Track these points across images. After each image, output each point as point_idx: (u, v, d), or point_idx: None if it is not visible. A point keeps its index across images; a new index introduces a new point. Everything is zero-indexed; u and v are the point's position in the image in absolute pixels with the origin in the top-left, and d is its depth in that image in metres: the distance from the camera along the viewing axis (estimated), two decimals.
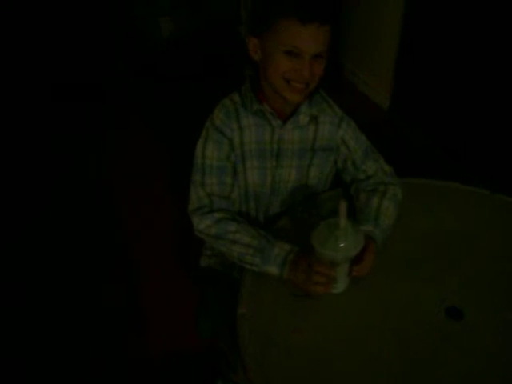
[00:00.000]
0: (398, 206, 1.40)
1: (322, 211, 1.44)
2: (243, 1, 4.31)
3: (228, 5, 4.35)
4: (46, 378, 1.91)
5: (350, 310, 1.19)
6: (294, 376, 1.05)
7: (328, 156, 1.47)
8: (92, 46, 3.96)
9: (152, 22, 4.37)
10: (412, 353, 1.09)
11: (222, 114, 1.37)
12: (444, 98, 3.13)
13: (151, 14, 4.33)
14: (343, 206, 1.09)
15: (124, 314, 2.16)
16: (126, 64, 4.12)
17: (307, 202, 1.48)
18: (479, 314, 1.17)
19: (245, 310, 1.16)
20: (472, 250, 1.34)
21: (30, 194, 2.85)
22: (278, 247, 1.24)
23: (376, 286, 1.22)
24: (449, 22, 2.96)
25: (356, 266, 1.18)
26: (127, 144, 3.32)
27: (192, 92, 3.85)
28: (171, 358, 1.97)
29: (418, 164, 2.81)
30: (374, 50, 3.79)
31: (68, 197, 2.85)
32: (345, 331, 1.14)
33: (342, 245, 1.10)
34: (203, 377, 1.85)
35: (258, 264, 1.24)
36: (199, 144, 1.38)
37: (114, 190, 2.88)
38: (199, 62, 4.15)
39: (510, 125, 2.65)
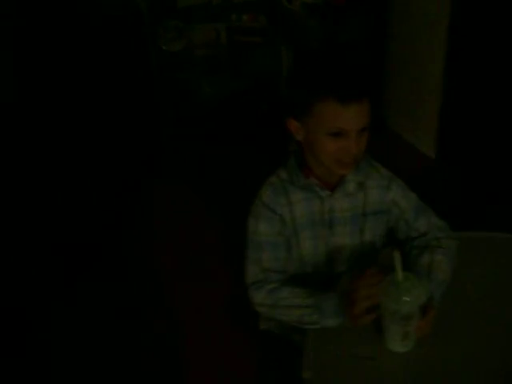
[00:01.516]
0: (453, 259, 1.39)
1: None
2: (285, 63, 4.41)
3: (269, 67, 4.45)
4: None
5: (411, 370, 1.18)
6: None
7: (380, 219, 1.48)
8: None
9: (194, 85, 4.50)
10: None
11: (270, 191, 1.42)
12: (489, 143, 3.11)
13: (193, 76, 4.47)
14: (397, 257, 1.12)
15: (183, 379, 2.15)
16: (171, 129, 4.20)
17: (365, 263, 1.49)
18: None
19: (309, 374, 1.16)
20: None
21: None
22: (330, 298, 1.26)
23: (438, 345, 1.20)
24: (490, 72, 2.97)
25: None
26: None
27: (238, 156, 3.81)
28: None
29: (469, 216, 2.77)
30: (418, 98, 3.81)
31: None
32: None
33: (405, 297, 1.11)
34: None
35: (317, 321, 1.26)
36: (251, 221, 1.42)
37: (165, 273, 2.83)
38: (242, 123, 4.21)
39: None
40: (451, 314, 1.28)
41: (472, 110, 3.23)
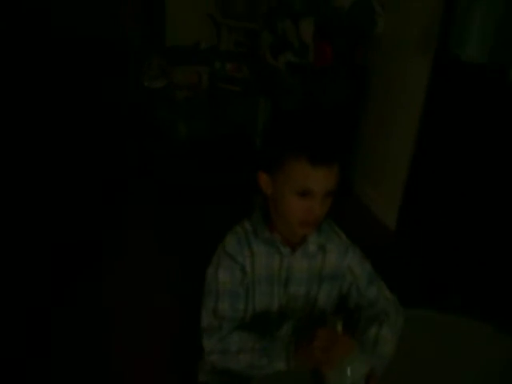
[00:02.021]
0: (399, 333, 1.40)
1: None
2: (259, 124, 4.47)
3: (246, 117, 4.51)
4: None
5: None
6: None
7: (335, 283, 1.49)
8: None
9: (171, 124, 4.53)
10: None
11: (234, 241, 1.42)
12: (451, 226, 3.16)
13: (171, 117, 4.50)
14: (339, 326, 1.17)
15: None
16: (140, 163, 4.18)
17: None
18: None
19: None
20: None
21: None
22: (279, 341, 1.27)
23: None
24: (462, 152, 3.05)
25: None
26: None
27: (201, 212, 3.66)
28: None
29: (422, 290, 2.80)
30: (385, 170, 3.88)
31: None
32: None
33: (347, 370, 1.13)
34: None
35: (266, 365, 1.26)
36: (211, 270, 1.42)
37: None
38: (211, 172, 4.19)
39: None
40: None
41: (436, 188, 3.30)
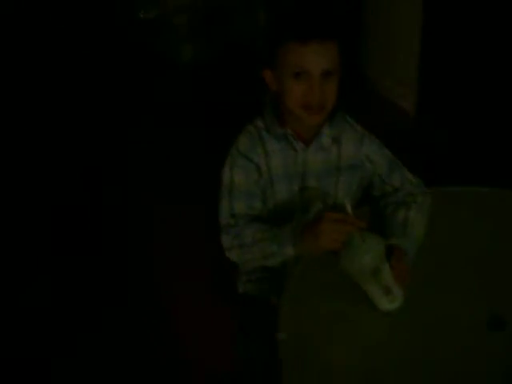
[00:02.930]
0: (427, 214, 1.39)
1: None
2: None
3: (248, 30, 4.39)
4: None
5: (389, 326, 1.18)
6: None
7: (354, 173, 1.47)
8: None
9: (173, 48, 4.44)
10: (454, 365, 1.08)
11: (247, 139, 1.40)
12: (471, 99, 3.10)
13: (172, 40, 4.40)
14: (348, 205, 1.15)
15: (161, 340, 2.18)
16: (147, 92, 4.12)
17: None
18: None
19: (284, 335, 1.16)
20: (508, 256, 1.32)
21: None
22: (288, 226, 1.27)
23: (415, 299, 1.20)
24: (470, 22, 2.94)
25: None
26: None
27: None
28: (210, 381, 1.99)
29: (447, 171, 2.77)
30: (396, 56, 3.77)
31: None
32: (386, 349, 1.13)
33: (360, 254, 1.11)
34: None
35: (276, 251, 1.27)
36: (225, 171, 1.40)
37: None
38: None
39: None
40: (433, 267, 1.29)
41: (451, 66, 3.20)
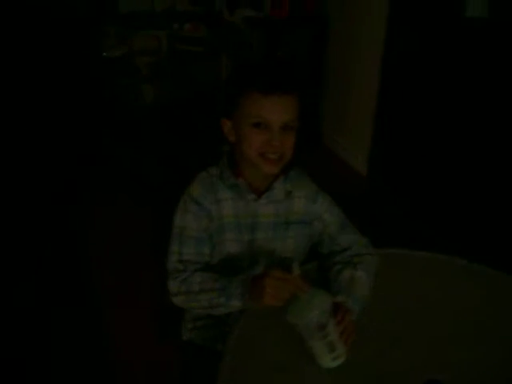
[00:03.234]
0: (374, 275, 1.42)
1: None
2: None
3: (209, 76, 4.45)
4: None
5: (331, 381, 1.18)
6: None
7: (303, 229, 1.49)
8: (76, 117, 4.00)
9: (135, 91, 4.46)
10: None
11: (200, 186, 1.42)
12: (421, 164, 3.20)
13: (134, 83, 4.42)
14: (295, 267, 1.16)
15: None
16: (109, 132, 4.13)
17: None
18: None
19: None
20: (453, 322, 1.35)
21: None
22: (236, 280, 1.28)
23: (356, 361, 1.21)
24: (424, 88, 3.08)
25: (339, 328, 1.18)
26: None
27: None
28: None
29: (396, 233, 2.85)
30: (353, 116, 3.89)
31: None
32: None
33: (307, 309, 1.12)
34: None
35: (223, 303, 1.28)
36: (178, 215, 1.41)
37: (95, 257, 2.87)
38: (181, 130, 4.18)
39: (489, 191, 2.72)
40: (378, 327, 1.31)
41: (405, 130, 3.32)
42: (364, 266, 1.41)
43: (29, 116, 3.85)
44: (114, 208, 3.35)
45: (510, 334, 1.33)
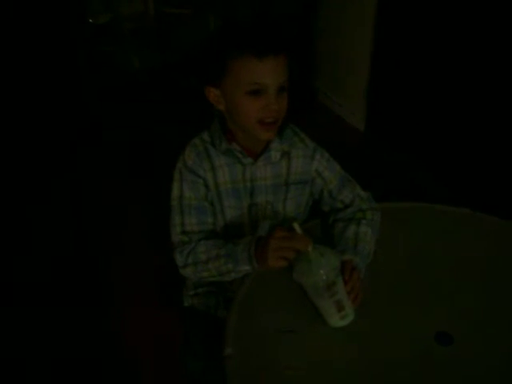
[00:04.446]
0: (377, 230, 1.39)
1: None
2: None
3: (198, 39, 4.37)
4: None
5: (338, 342, 1.16)
6: None
7: (303, 189, 1.45)
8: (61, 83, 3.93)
9: (122, 58, 4.38)
10: (402, 380, 1.07)
11: (194, 154, 1.36)
12: (419, 116, 3.16)
13: (121, 50, 4.34)
14: (297, 228, 1.12)
15: (108, 350, 2.13)
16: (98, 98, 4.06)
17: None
18: (469, 339, 1.15)
19: (231, 350, 1.13)
20: (458, 272, 1.33)
21: None
22: (242, 244, 1.24)
23: (364, 315, 1.19)
24: (420, 42, 3.01)
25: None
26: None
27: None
28: None
29: (397, 186, 2.82)
30: (347, 72, 3.83)
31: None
32: (336, 364, 1.11)
33: (315, 268, 1.08)
34: None
35: (232, 269, 1.24)
36: (174, 186, 1.36)
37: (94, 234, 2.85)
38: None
39: (489, 140, 2.68)
40: (384, 283, 1.29)
41: (400, 83, 3.27)
42: (367, 221, 1.38)
43: (11, 86, 3.75)
44: (107, 181, 3.31)
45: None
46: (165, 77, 4.25)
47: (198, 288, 1.54)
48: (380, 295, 1.26)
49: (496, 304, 1.24)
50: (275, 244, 1.14)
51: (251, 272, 1.26)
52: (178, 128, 2.72)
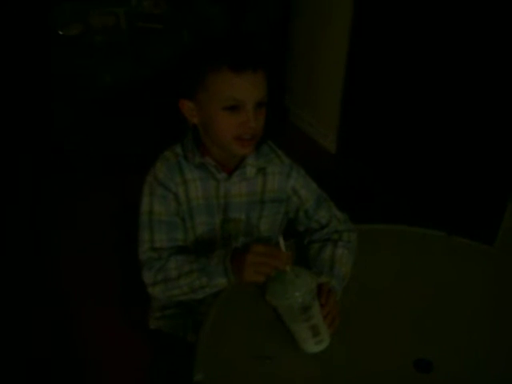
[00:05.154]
0: (354, 252, 1.35)
1: None
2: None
3: (171, 55, 4.33)
4: None
5: (315, 370, 1.12)
6: None
7: (278, 207, 1.41)
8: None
9: (93, 72, 4.31)
10: None
11: (165, 167, 1.30)
12: (390, 139, 3.16)
13: (92, 63, 4.28)
14: (281, 241, 1.06)
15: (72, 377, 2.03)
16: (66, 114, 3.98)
17: None
18: (449, 365, 1.11)
19: (201, 376, 1.07)
20: (436, 297, 1.30)
21: None
22: (216, 256, 1.16)
23: (341, 342, 1.14)
24: (393, 63, 3.01)
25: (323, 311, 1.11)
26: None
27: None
28: None
29: (370, 209, 2.80)
30: (319, 92, 3.81)
31: None
32: None
33: (291, 290, 1.03)
34: None
35: (206, 284, 1.17)
36: (144, 200, 1.30)
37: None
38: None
39: (462, 163, 2.68)
40: (361, 307, 1.25)
41: (373, 105, 3.27)
42: (344, 243, 1.34)
43: None
44: (77, 193, 3.22)
45: (494, 305, 1.29)
46: (137, 91, 4.19)
47: (164, 310, 1.47)
48: (356, 320, 1.22)
49: (475, 328, 1.22)
50: (253, 259, 1.07)
51: (226, 287, 1.19)
52: (149, 143, 2.66)
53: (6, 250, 2.70)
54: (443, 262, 1.42)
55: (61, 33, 4.26)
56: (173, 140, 1.38)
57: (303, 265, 1.20)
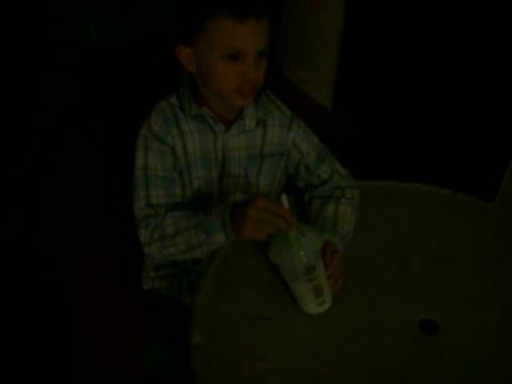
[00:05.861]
0: (356, 208, 1.30)
1: None
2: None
3: (162, 8, 4.19)
4: None
5: (316, 331, 1.06)
6: None
7: (278, 162, 1.34)
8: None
9: (81, 25, 4.18)
10: (387, 369, 0.99)
11: (160, 119, 1.22)
12: (388, 96, 3.09)
13: (80, 17, 4.14)
14: (285, 202, 1.00)
15: (62, 338, 1.99)
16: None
17: None
18: (454, 327, 1.08)
19: (199, 339, 1.02)
20: (442, 257, 1.25)
21: None
22: (214, 213, 1.09)
23: (344, 303, 1.10)
24: (391, 18, 2.93)
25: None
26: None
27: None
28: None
29: (364, 166, 2.75)
30: (315, 47, 3.71)
31: None
32: (313, 356, 1.01)
33: (297, 249, 0.97)
34: None
35: (204, 241, 1.10)
36: (138, 154, 1.22)
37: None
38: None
39: (458, 122, 2.62)
40: (364, 267, 1.20)
41: (370, 61, 3.20)
42: (346, 199, 1.28)
43: None
44: (64, 154, 3.12)
45: (496, 262, 1.25)
46: (127, 48, 4.06)
47: (159, 270, 1.41)
48: (360, 280, 1.17)
49: (481, 290, 1.18)
50: (255, 214, 0.99)
51: (225, 244, 1.13)
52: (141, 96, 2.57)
53: None
54: (450, 221, 1.37)
55: None
56: (167, 91, 1.30)
57: (304, 222, 1.15)
